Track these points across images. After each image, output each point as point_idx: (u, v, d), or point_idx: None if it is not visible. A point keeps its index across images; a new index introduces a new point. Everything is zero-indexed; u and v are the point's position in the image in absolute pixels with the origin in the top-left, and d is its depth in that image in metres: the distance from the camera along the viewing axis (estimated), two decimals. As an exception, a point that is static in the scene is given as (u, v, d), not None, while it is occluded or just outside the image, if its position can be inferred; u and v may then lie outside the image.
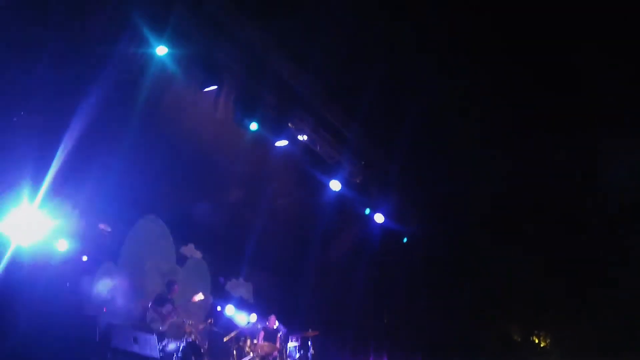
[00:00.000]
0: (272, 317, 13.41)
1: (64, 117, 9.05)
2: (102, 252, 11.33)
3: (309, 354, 12.90)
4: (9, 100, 8.25)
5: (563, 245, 14.02)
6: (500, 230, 14.23)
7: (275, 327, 13.27)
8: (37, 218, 8.67)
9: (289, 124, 12.70)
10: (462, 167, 13.85)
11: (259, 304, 14.97)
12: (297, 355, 12.96)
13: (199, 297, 11.83)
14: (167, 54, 10.09)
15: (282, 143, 12.76)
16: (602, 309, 14.48)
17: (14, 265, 7.50)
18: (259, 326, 13.45)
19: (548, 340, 17.91)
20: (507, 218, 14.23)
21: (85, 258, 10.51)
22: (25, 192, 8.51)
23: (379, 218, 14.69)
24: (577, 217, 14.09)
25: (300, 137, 12.95)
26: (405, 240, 15.50)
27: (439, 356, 15.27)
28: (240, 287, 15.21)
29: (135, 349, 9.49)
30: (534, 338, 18.03)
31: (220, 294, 14.46)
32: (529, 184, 13.84)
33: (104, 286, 10.84)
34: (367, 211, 14.66)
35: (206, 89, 11.14)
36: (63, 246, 9.70)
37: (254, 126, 12.13)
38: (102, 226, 11.03)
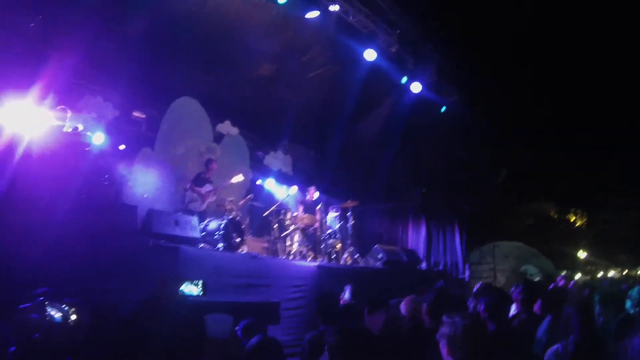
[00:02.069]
0: (312, 189, 13.51)
1: (90, 11, 8.83)
2: (139, 140, 11.50)
3: (348, 225, 13.13)
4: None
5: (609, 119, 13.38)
6: (542, 96, 13.57)
7: (314, 199, 13.44)
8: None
9: (320, -6, 12.17)
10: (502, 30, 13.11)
11: (298, 176, 15.21)
12: (337, 226, 13.12)
13: (238, 178, 11.97)
14: None
15: (313, 15, 12.25)
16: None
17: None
18: (299, 198, 13.75)
19: (584, 220, 17.77)
20: (548, 82, 13.49)
21: (122, 147, 10.67)
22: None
23: (415, 87, 14.29)
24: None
25: (331, 8, 12.40)
26: (443, 109, 15.12)
27: (475, 224, 15.46)
28: (278, 160, 15.37)
29: (177, 231, 9.71)
30: (570, 216, 17.88)
31: (259, 169, 14.71)
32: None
33: (143, 173, 11.04)
34: (404, 80, 14.22)
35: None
36: (99, 139, 9.83)
37: (282, -2, 11.66)
38: (136, 114, 11.06)
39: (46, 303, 4.93)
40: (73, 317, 5.04)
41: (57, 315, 5.08)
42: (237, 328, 5.43)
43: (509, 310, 5.63)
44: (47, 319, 4.83)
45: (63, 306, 5.06)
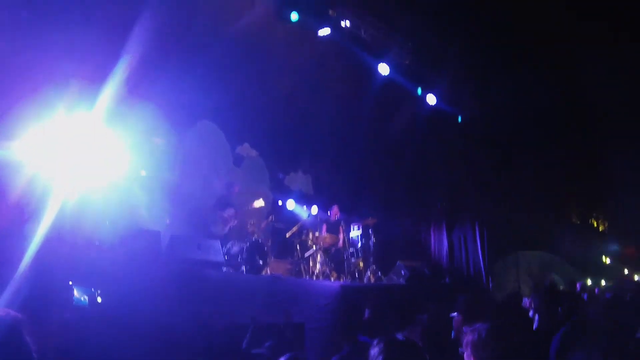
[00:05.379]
0: (335, 208, 13.45)
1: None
2: (159, 165, 11.47)
3: (370, 242, 13.02)
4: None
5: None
6: (563, 109, 13.33)
7: (337, 218, 13.39)
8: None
9: (330, 11, 12.24)
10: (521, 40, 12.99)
11: (319, 196, 15.13)
12: (360, 244, 13.08)
13: (259, 203, 12.01)
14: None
15: (324, 32, 12.30)
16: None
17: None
18: (322, 218, 13.64)
19: (606, 224, 17.66)
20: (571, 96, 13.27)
21: (143, 172, 10.67)
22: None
23: (431, 99, 14.26)
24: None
25: (343, 24, 12.48)
26: (460, 119, 15.01)
27: (497, 233, 15.21)
28: (299, 180, 15.36)
29: (200, 255, 9.77)
30: (593, 221, 17.76)
31: (279, 189, 14.67)
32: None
33: (164, 198, 11.01)
34: (419, 91, 14.21)
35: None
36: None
37: (294, 17, 11.76)
38: (155, 139, 11.09)
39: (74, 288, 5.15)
40: (99, 299, 5.22)
41: (83, 298, 5.27)
42: (262, 348, 5.41)
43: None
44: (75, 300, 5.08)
45: (91, 289, 5.24)
